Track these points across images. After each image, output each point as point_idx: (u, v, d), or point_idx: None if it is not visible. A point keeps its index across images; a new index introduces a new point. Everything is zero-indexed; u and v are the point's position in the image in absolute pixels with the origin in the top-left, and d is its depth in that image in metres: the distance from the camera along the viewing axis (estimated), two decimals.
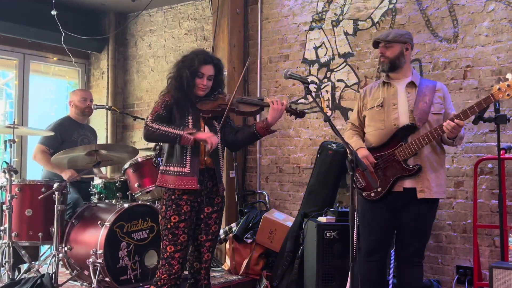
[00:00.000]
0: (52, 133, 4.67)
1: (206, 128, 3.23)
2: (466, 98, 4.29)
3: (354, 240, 2.85)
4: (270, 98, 3.26)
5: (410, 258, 3.49)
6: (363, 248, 3.60)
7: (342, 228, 4.16)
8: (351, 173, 2.89)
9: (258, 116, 4.97)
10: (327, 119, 3.01)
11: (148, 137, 3.16)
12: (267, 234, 4.91)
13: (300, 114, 3.26)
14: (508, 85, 3.17)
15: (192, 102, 3.19)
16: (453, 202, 4.36)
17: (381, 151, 3.49)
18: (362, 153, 3.48)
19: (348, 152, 2.97)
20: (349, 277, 3.75)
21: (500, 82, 3.24)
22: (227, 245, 5.05)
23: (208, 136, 3.09)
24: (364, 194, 3.55)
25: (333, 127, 3.00)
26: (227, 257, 5.07)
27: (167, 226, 3.12)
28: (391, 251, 3.94)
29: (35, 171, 5.45)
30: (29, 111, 6.29)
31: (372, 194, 3.49)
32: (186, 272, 3.32)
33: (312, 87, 5.14)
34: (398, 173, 3.40)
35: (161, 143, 3.34)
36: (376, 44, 3.62)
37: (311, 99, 5.21)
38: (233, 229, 5.12)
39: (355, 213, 3.87)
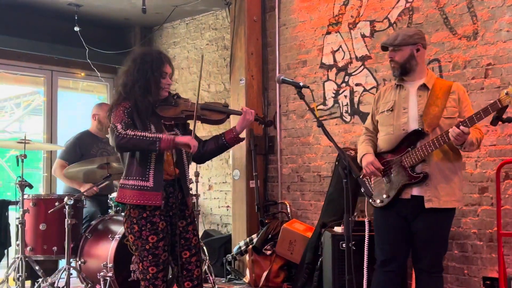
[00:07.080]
0: (63, 147, 4.77)
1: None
2: (488, 98, 4.01)
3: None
4: (236, 107, 3.09)
5: (427, 269, 3.28)
6: (378, 257, 3.44)
7: (359, 238, 3.97)
8: (345, 180, 2.74)
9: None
10: (320, 125, 2.87)
11: (122, 146, 2.84)
12: (287, 245, 4.78)
13: (268, 123, 3.17)
14: None
15: (153, 107, 2.97)
16: (478, 209, 4.10)
17: (390, 156, 3.32)
18: (368, 159, 3.32)
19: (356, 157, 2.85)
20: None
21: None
22: (247, 257, 4.95)
23: (189, 139, 2.86)
24: (371, 201, 3.40)
25: (326, 132, 2.86)
26: (247, 269, 4.96)
27: (146, 247, 2.91)
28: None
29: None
30: (59, 127, 6.41)
31: (378, 201, 3.33)
32: None
33: (332, 91, 4.99)
34: (405, 180, 3.21)
35: (122, 156, 3.02)
36: (385, 48, 3.43)
37: (330, 105, 5.07)
38: (254, 241, 5.02)
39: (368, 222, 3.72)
